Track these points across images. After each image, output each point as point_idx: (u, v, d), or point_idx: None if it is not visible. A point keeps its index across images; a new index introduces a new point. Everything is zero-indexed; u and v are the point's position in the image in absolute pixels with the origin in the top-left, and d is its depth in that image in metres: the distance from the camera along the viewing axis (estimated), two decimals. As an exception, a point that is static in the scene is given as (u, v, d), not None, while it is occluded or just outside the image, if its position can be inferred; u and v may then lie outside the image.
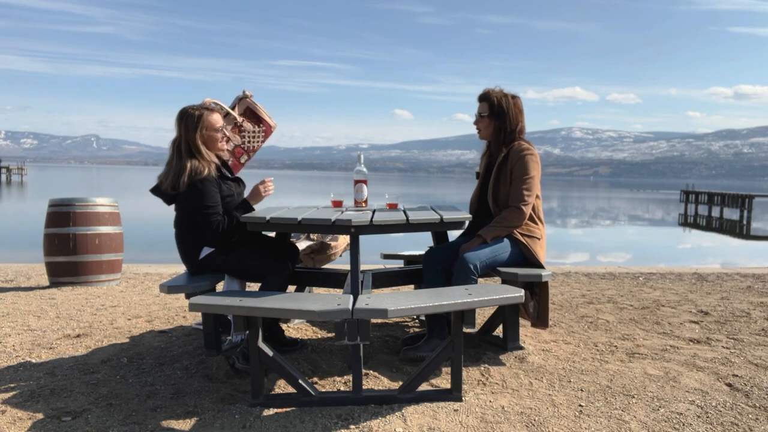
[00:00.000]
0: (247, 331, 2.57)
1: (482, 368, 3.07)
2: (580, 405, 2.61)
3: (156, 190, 3.13)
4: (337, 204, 3.48)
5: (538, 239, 3.34)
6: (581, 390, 2.80)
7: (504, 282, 3.26)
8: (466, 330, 3.27)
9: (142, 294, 5.24)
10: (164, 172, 3.09)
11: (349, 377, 2.86)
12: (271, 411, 2.51)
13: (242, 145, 3.70)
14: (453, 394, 2.64)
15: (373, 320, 3.74)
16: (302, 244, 4.06)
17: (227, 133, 3.51)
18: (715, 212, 32.32)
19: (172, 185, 3.01)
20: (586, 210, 36.06)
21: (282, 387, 2.82)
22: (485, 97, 3.42)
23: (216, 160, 3.19)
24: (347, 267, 3.01)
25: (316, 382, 2.88)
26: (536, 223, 3.37)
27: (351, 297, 2.55)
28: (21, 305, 4.66)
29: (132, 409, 2.55)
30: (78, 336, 3.75)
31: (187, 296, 2.87)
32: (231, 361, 3.05)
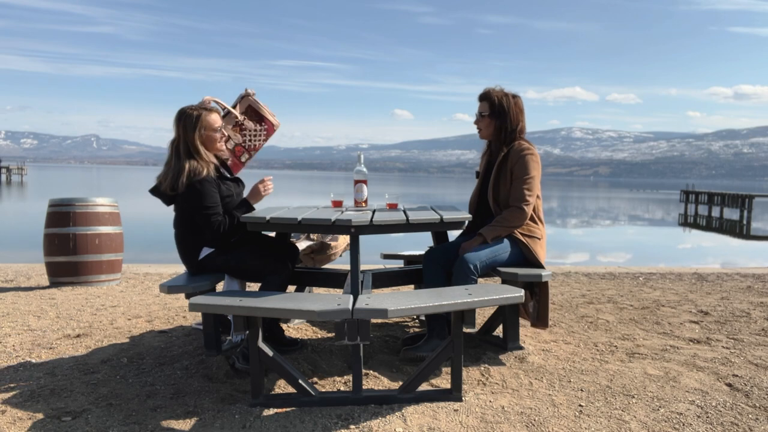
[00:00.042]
0: (247, 331, 2.57)
1: (482, 368, 3.07)
2: (580, 405, 2.61)
3: (155, 191, 3.13)
4: (337, 204, 3.48)
5: (539, 239, 3.34)
6: (581, 390, 2.80)
7: (504, 282, 3.26)
8: (466, 330, 3.27)
9: (142, 294, 5.24)
10: (163, 173, 3.08)
11: (349, 377, 2.86)
12: (271, 411, 2.51)
13: (243, 144, 3.68)
14: (453, 394, 2.64)
15: (373, 320, 3.74)
16: (302, 244, 4.06)
17: (228, 132, 3.50)
18: (715, 212, 32.32)
19: (170, 186, 3.01)
20: (586, 210, 36.06)
21: (282, 387, 2.82)
22: (486, 97, 3.41)
23: (215, 161, 3.19)
24: (347, 267, 3.01)
25: (316, 382, 2.88)
26: (536, 223, 3.37)
27: (351, 297, 2.55)
28: (21, 305, 4.66)
29: (132, 409, 2.55)
30: (78, 336, 3.75)
31: (187, 296, 2.87)
32: (231, 361, 3.05)
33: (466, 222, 3.28)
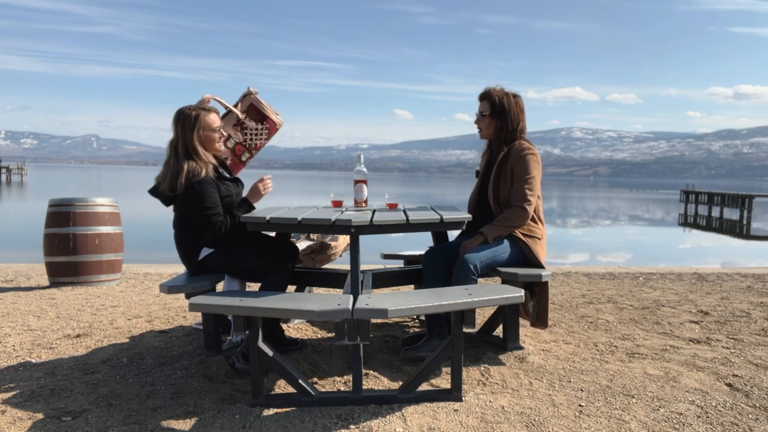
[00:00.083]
0: (247, 331, 2.57)
1: (482, 368, 3.07)
2: (580, 405, 2.61)
3: (154, 192, 3.12)
4: (337, 204, 3.48)
5: (539, 239, 3.34)
6: (581, 390, 2.80)
7: (504, 282, 3.26)
8: (466, 330, 3.27)
9: (142, 294, 5.24)
10: (162, 173, 3.08)
11: (349, 377, 2.86)
12: (271, 411, 2.51)
13: (243, 143, 3.65)
14: (453, 394, 2.64)
15: (373, 320, 3.74)
16: (302, 244, 4.06)
17: (228, 131, 3.49)
18: (715, 212, 32.32)
19: (169, 187, 3.01)
20: (586, 210, 36.06)
21: (282, 387, 2.82)
22: (486, 96, 3.41)
23: (213, 161, 3.18)
24: (347, 267, 3.01)
25: (316, 382, 2.88)
26: (537, 223, 3.37)
27: (351, 297, 2.55)
28: (21, 305, 4.66)
29: (132, 409, 2.55)
30: (78, 336, 3.75)
31: (187, 296, 2.87)
32: (231, 361, 3.05)
33: (466, 222, 3.28)
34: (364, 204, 3.39)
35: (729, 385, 2.88)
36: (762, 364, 3.22)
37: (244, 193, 3.26)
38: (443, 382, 2.88)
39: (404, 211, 3.15)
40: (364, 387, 2.66)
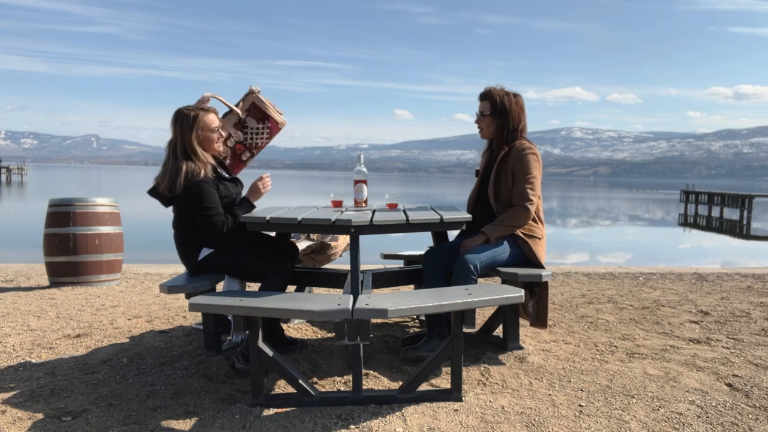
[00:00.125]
0: (247, 331, 2.57)
1: (482, 368, 3.07)
2: (580, 405, 2.61)
3: (153, 192, 3.12)
4: (337, 204, 3.48)
5: (539, 239, 3.33)
6: (581, 390, 2.80)
7: (504, 282, 3.26)
8: (466, 330, 3.27)
9: (142, 294, 5.24)
10: (161, 174, 3.07)
11: (349, 377, 2.86)
12: (271, 411, 2.51)
13: (244, 142, 3.62)
14: (453, 394, 2.64)
15: (373, 320, 3.74)
16: (302, 244, 4.06)
17: (229, 129, 3.48)
18: (715, 212, 32.32)
19: (168, 187, 3.00)
20: (586, 210, 36.06)
21: (282, 387, 2.82)
22: (487, 96, 3.40)
23: (212, 161, 3.17)
24: (347, 267, 3.01)
25: (316, 382, 2.88)
26: (537, 223, 3.36)
27: (351, 297, 2.55)
28: (21, 305, 4.66)
29: (132, 409, 2.55)
30: (78, 336, 3.75)
31: (187, 296, 2.87)
32: (231, 361, 3.05)
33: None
34: (364, 204, 3.39)
35: (729, 385, 2.88)
36: (762, 364, 3.22)
37: (244, 193, 3.26)
38: (443, 382, 2.88)
39: (404, 211, 3.15)
40: (364, 387, 2.66)
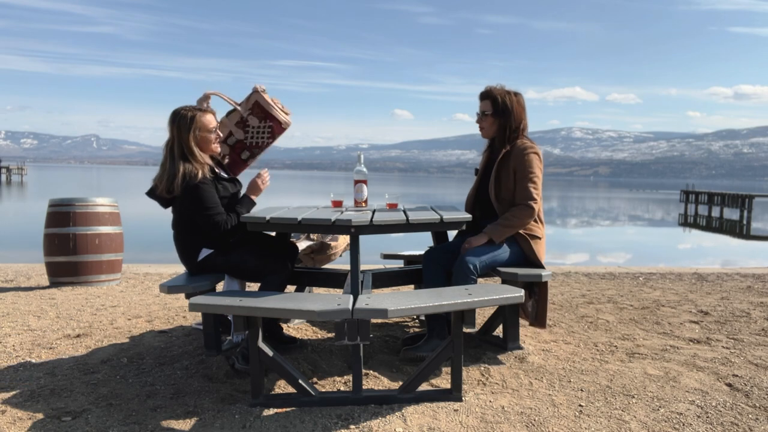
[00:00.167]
0: (247, 331, 2.57)
1: (482, 368, 3.07)
2: (580, 405, 2.61)
3: (151, 194, 3.11)
4: (337, 204, 3.48)
5: (539, 239, 3.33)
6: (581, 390, 2.80)
7: (504, 282, 3.26)
8: (466, 330, 3.27)
9: (142, 294, 5.24)
10: (158, 175, 3.06)
11: (349, 377, 2.86)
12: (271, 411, 2.51)
13: (245, 140, 3.58)
14: (453, 394, 2.64)
15: (373, 320, 3.74)
16: (302, 244, 4.06)
17: (231, 128, 3.46)
18: (715, 212, 32.33)
19: (166, 189, 3.00)
20: (586, 210, 36.06)
21: (282, 387, 2.82)
22: (488, 95, 3.39)
23: (210, 162, 3.16)
24: (347, 267, 3.01)
25: (316, 382, 2.88)
26: (537, 223, 3.36)
27: (351, 297, 2.55)
28: (21, 305, 4.66)
29: (132, 409, 2.55)
30: (78, 336, 3.75)
31: (187, 296, 2.87)
32: (231, 361, 3.05)
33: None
34: (364, 204, 3.39)
35: (729, 385, 2.88)
36: (762, 364, 3.22)
37: (243, 191, 3.26)
38: (443, 382, 2.88)
39: (404, 211, 3.15)
40: (364, 387, 2.66)
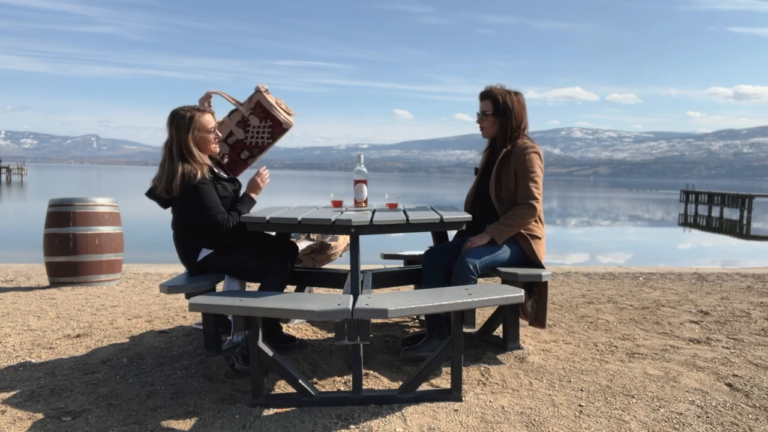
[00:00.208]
0: (247, 331, 2.57)
1: (482, 368, 3.07)
2: (580, 405, 2.61)
3: (151, 194, 3.11)
4: (337, 204, 3.48)
5: (539, 239, 3.33)
6: (581, 390, 2.80)
7: (504, 282, 3.26)
8: (466, 330, 3.27)
9: (142, 294, 5.24)
10: (158, 176, 3.06)
11: (349, 377, 2.86)
12: (271, 411, 2.51)
13: (244, 140, 3.56)
14: (453, 394, 2.64)
15: (373, 320, 3.74)
16: (302, 244, 4.06)
17: (232, 127, 3.45)
18: (715, 212, 32.33)
19: (165, 189, 3.00)
20: (586, 210, 36.06)
21: (282, 387, 2.82)
22: (488, 95, 3.39)
23: (208, 162, 3.16)
24: (347, 267, 3.01)
25: (316, 382, 2.88)
26: (537, 223, 3.36)
27: (351, 297, 2.55)
28: (21, 305, 4.66)
29: (132, 409, 2.55)
30: (78, 336, 3.75)
31: (187, 296, 2.87)
32: (231, 361, 3.05)
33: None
34: (364, 204, 3.39)
35: (729, 385, 2.88)
36: (762, 364, 3.22)
37: (243, 190, 3.26)
38: (443, 382, 2.88)
39: (404, 211, 3.15)
40: (364, 387, 2.66)
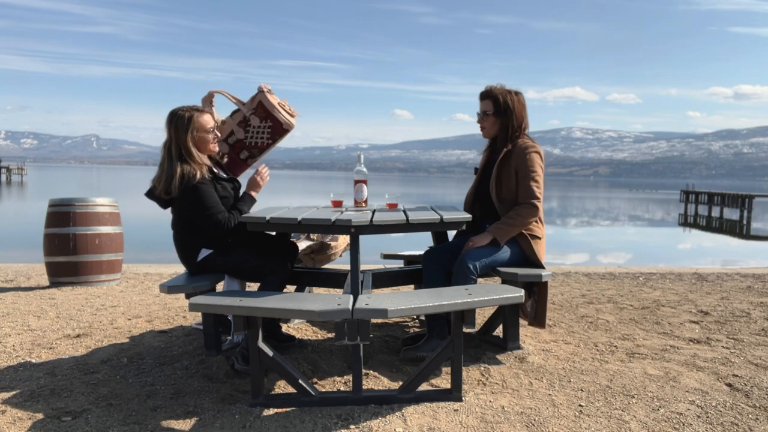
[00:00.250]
0: (247, 331, 2.57)
1: (482, 368, 3.07)
2: (580, 405, 2.61)
3: (150, 194, 3.11)
4: (337, 204, 3.48)
5: (540, 239, 3.33)
6: (581, 390, 2.80)
7: (504, 282, 3.26)
8: (466, 330, 3.27)
9: (142, 294, 5.24)
10: (157, 176, 3.06)
11: (349, 377, 2.86)
12: (271, 411, 2.51)
13: (244, 140, 3.55)
14: (453, 394, 2.64)
15: (373, 320, 3.74)
16: (302, 244, 4.06)
17: (234, 127, 3.44)
18: (715, 212, 32.33)
19: (164, 190, 3.00)
20: (586, 210, 36.06)
21: (282, 387, 2.82)
22: (489, 95, 3.38)
23: (208, 162, 3.16)
24: (347, 267, 3.01)
25: (316, 382, 2.88)
26: (537, 223, 3.36)
27: (351, 297, 2.55)
28: (21, 305, 4.66)
29: (132, 409, 2.55)
30: (78, 336, 3.75)
31: (187, 296, 2.87)
32: (231, 361, 3.05)
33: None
34: (364, 204, 3.39)
35: (729, 385, 2.88)
36: (762, 364, 3.22)
37: (244, 189, 3.26)
38: (443, 382, 2.88)
39: (404, 211, 3.15)
40: (364, 387, 2.66)
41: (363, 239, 2.82)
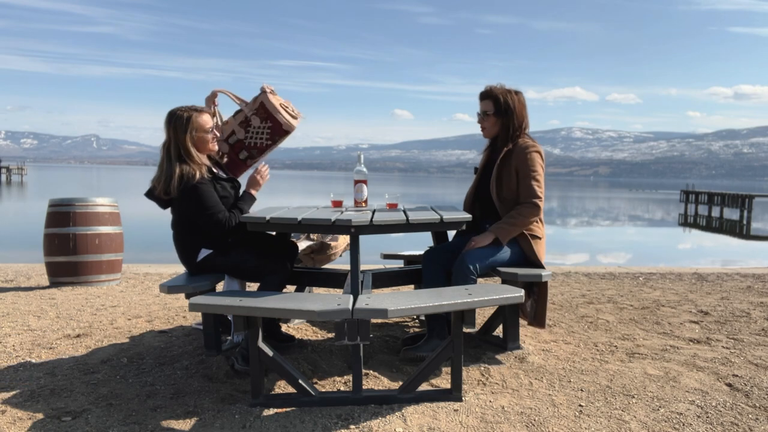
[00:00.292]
0: (247, 331, 2.57)
1: (482, 368, 3.07)
2: (580, 405, 2.61)
3: (150, 195, 3.11)
4: (337, 204, 3.48)
5: (540, 239, 3.33)
6: (581, 390, 2.80)
7: (504, 282, 3.26)
8: (466, 330, 3.27)
9: (142, 294, 5.24)
10: (156, 177, 3.05)
11: (349, 377, 2.86)
12: (271, 411, 2.51)
13: (244, 140, 3.54)
14: (453, 394, 2.64)
15: (373, 320, 3.74)
16: (302, 244, 4.06)
17: (234, 127, 3.44)
18: (715, 212, 32.33)
19: (164, 190, 3.00)
20: (586, 210, 36.06)
21: (282, 387, 2.82)
22: (489, 95, 3.38)
23: (207, 162, 3.15)
24: (347, 267, 3.01)
25: (316, 382, 2.88)
26: (537, 223, 3.36)
27: (351, 297, 2.55)
28: (21, 305, 4.66)
29: (132, 409, 2.55)
30: (78, 336, 3.75)
31: (187, 296, 2.87)
32: (231, 362, 3.05)
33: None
34: (364, 204, 3.39)
35: (729, 385, 2.88)
36: (762, 364, 3.22)
37: (243, 188, 3.26)
38: (443, 382, 2.88)
39: (404, 211, 3.15)
40: (364, 387, 2.66)
41: (363, 239, 2.82)
